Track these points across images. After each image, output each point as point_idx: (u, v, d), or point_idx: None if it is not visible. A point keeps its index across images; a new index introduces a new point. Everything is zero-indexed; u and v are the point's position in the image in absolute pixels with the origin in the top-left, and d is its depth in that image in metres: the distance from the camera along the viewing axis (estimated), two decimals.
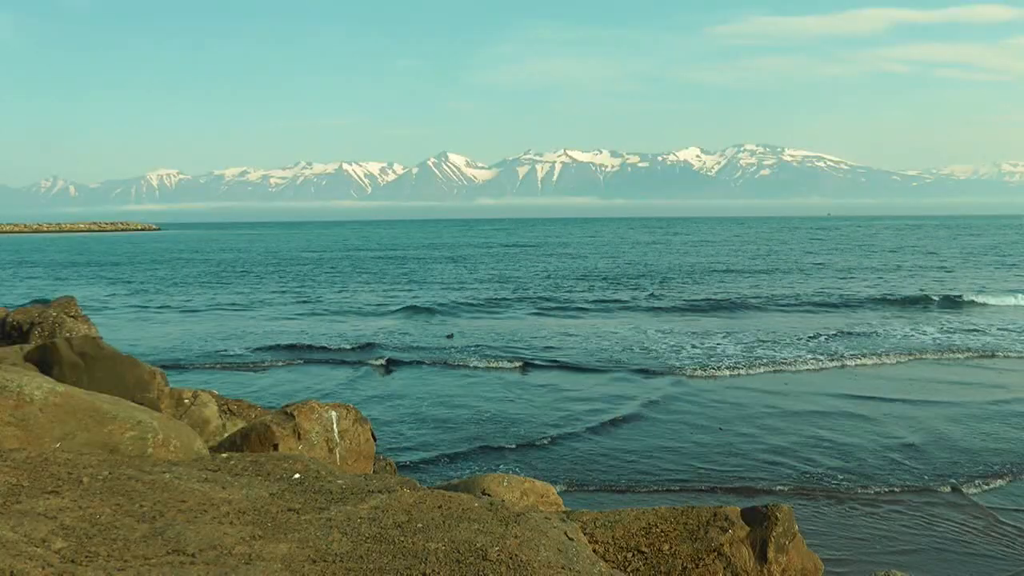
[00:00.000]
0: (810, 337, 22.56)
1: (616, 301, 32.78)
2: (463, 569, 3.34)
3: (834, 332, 23.48)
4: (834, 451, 11.78)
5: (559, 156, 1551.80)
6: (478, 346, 21.61)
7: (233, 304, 33.54)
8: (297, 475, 4.46)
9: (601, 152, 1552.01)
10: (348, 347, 21.56)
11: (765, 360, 19.20)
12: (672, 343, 21.89)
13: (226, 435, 6.55)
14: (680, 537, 4.70)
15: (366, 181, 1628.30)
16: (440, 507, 3.98)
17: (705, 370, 18.04)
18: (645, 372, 17.99)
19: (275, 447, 5.75)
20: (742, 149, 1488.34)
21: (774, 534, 4.76)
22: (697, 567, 4.60)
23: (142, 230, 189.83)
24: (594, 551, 4.46)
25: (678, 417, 13.92)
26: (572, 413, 14.28)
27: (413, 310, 30.26)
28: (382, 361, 19.41)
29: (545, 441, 12.40)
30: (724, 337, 22.84)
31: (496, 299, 33.83)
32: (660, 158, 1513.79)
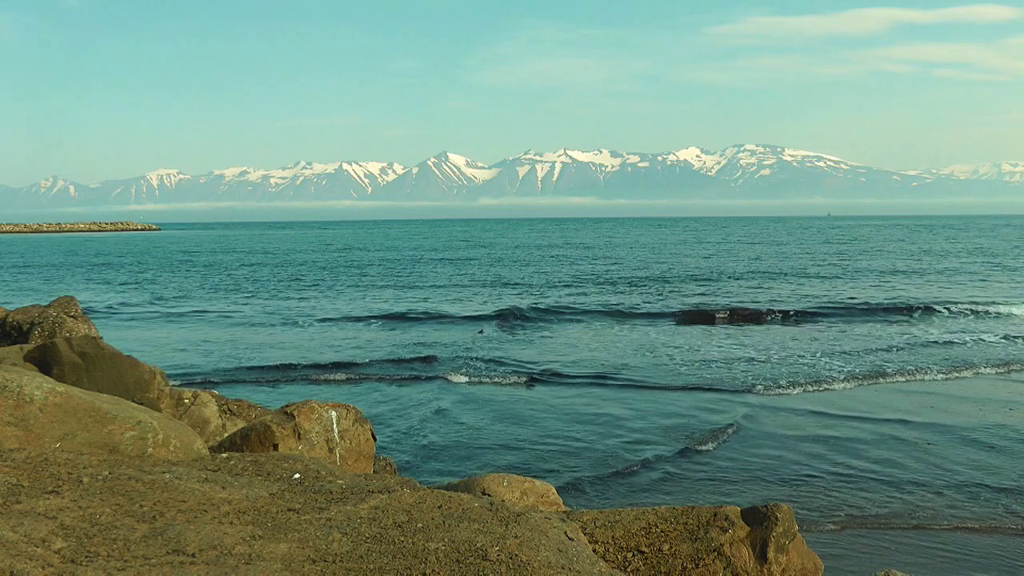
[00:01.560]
0: (897, 348, 20.77)
1: (666, 308, 30.29)
2: (463, 569, 3.34)
3: (926, 341, 21.59)
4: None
5: (559, 156, 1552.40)
6: (551, 359, 19.72)
7: (271, 312, 30.55)
8: (297, 475, 4.46)
9: (601, 152, 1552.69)
10: (409, 358, 19.94)
11: (866, 372, 17.57)
12: (746, 354, 20.13)
13: (226, 435, 6.55)
14: (680, 537, 4.70)
15: (366, 181, 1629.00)
16: (440, 507, 3.98)
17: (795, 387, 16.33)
18: (725, 390, 16.21)
19: (275, 447, 5.75)
20: (742, 149, 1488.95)
21: (774, 534, 4.76)
22: (697, 567, 4.60)
23: (142, 230, 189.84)
24: (594, 551, 4.46)
25: (787, 443, 12.24)
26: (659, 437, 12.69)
27: (493, 319, 27.60)
28: (464, 379, 17.60)
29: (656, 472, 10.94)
30: (811, 345, 21.26)
31: (562, 306, 31.14)
32: (660, 158, 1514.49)
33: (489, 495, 5.11)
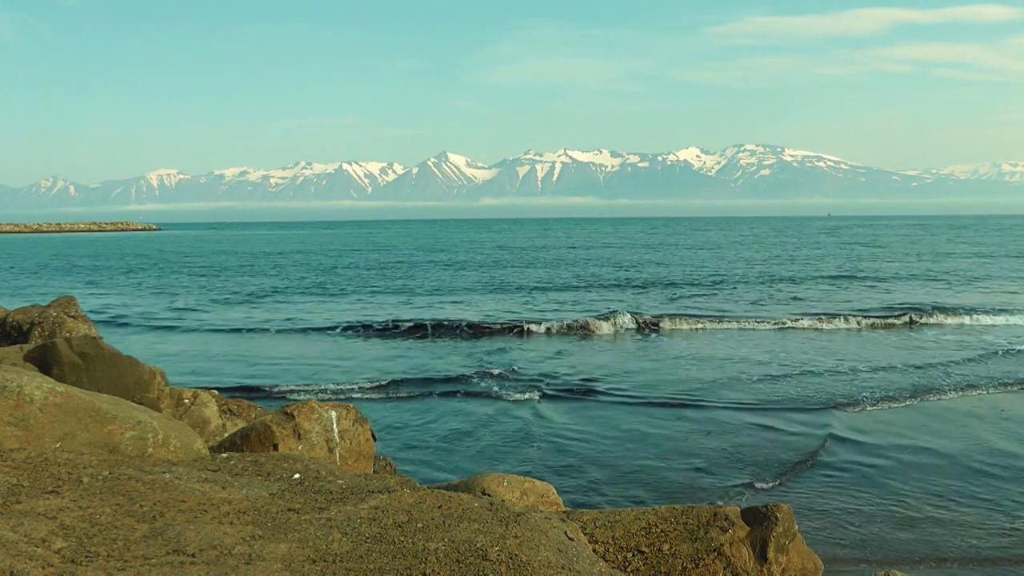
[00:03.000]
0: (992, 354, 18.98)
1: (727, 311, 28.28)
2: (463, 569, 3.34)
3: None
4: None
5: (559, 156, 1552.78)
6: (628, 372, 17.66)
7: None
8: (297, 475, 4.46)
9: (601, 152, 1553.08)
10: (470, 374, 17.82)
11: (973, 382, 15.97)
12: (822, 365, 18.23)
13: (226, 435, 6.55)
14: (680, 537, 4.70)
15: (366, 181, 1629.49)
16: (440, 507, 3.98)
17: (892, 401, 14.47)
18: (803, 408, 14.21)
19: (275, 447, 5.75)
20: (742, 149, 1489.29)
21: (774, 534, 4.76)
22: (697, 567, 4.60)
23: (142, 230, 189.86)
24: (594, 551, 4.46)
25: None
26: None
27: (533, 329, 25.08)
28: (536, 396, 15.53)
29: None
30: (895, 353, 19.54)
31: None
32: (660, 158, 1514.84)
33: (489, 495, 5.11)
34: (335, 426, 6.14)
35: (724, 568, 4.61)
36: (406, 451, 11.78)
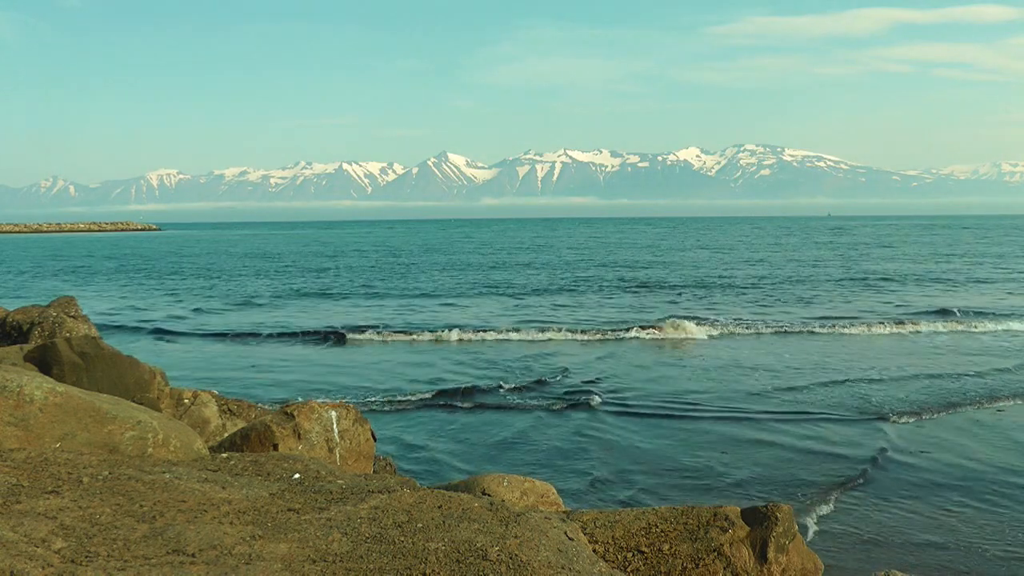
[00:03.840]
0: None
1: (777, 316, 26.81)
2: (463, 569, 3.34)
3: None
4: None
5: (559, 156, 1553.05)
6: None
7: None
8: (297, 475, 4.46)
9: (601, 152, 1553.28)
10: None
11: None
12: (866, 373, 17.01)
13: (226, 435, 6.55)
14: (680, 537, 4.70)
15: (366, 181, 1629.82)
16: (440, 507, 3.98)
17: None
18: (847, 419, 13.15)
19: (275, 447, 5.75)
20: (742, 149, 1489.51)
21: (774, 534, 4.76)
22: (697, 567, 4.60)
23: (142, 230, 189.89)
24: (594, 551, 4.46)
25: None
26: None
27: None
28: (592, 403, 14.49)
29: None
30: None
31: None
32: (660, 158, 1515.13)
33: (489, 495, 5.11)
34: (335, 426, 6.14)
35: (724, 568, 4.60)
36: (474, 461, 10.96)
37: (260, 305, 32.98)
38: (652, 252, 73.13)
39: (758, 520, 4.82)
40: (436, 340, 22.70)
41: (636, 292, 36.46)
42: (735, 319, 25.94)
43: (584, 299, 33.69)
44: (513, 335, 23.05)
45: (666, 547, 4.64)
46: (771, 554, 4.71)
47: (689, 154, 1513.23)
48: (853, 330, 23.58)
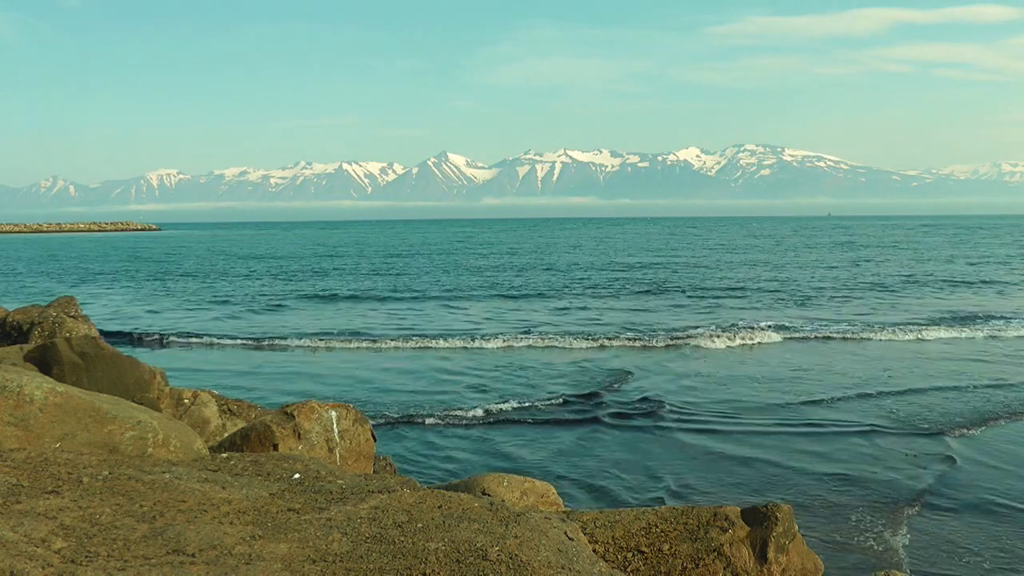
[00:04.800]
0: None
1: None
2: (463, 569, 3.34)
3: None
4: None
5: (559, 156, 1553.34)
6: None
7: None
8: (297, 475, 4.46)
9: (601, 152, 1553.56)
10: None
11: None
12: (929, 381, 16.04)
13: (226, 435, 6.55)
14: (680, 537, 4.70)
15: (366, 181, 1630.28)
16: (440, 507, 3.98)
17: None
18: (901, 432, 12.28)
19: (275, 447, 5.75)
20: (742, 149, 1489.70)
21: (774, 534, 4.76)
22: (697, 567, 4.60)
23: (142, 230, 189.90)
24: (594, 551, 4.46)
25: None
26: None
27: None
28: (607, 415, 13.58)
29: None
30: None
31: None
32: (660, 158, 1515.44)
33: (489, 495, 5.11)
34: (335, 426, 6.14)
35: (724, 568, 4.60)
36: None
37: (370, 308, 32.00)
38: (692, 252, 70.11)
39: (758, 520, 4.82)
40: (527, 347, 21.16)
41: (697, 295, 34.26)
42: (812, 321, 24.55)
43: (644, 302, 32.23)
44: (576, 343, 21.49)
45: (666, 547, 4.65)
46: (771, 554, 4.71)
47: (689, 154, 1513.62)
48: (932, 333, 22.40)
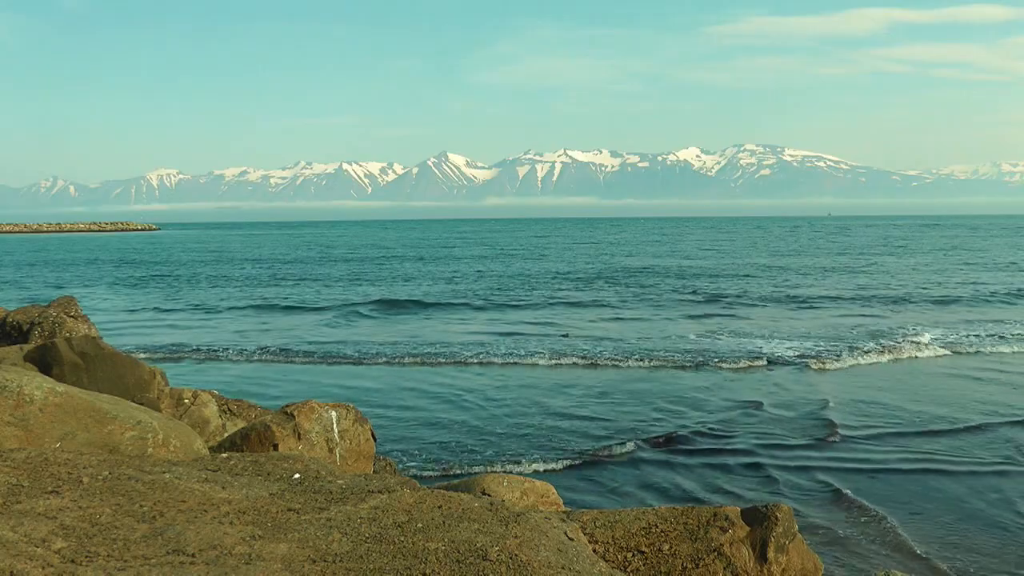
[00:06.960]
0: None
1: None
2: (463, 569, 3.34)
3: None
4: None
5: (559, 156, 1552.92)
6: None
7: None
8: (297, 475, 4.46)
9: (601, 152, 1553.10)
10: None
11: None
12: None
13: (226, 435, 6.55)
14: (680, 537, 4.70)
15: (366, 181, 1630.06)
16: (440, 507, 3.98)
17: None
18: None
19: (275, 447, 5.75)
20: (742, 149, 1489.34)
21: (774, 534, 4.76)
22: (697, 567, 4.60)
23: (142, 230, 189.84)
24: (594, 551, 4.46)
25: None
26: None
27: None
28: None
29: None
30: None
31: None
32: (660, 158, 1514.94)
33: (489, 495, 5.11)
34: (335, 426, 6.14)
35: (724, 568, 4.60)
36: None
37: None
38: (769, 254, 64.73)
39: (758, 520, 4.82)
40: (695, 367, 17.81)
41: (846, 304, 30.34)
42: (966, 333, 22.10)
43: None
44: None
45: (666, 547, 4.64)
46: (771, 554, 4.71)
47: (689, 154, 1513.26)
48: None
